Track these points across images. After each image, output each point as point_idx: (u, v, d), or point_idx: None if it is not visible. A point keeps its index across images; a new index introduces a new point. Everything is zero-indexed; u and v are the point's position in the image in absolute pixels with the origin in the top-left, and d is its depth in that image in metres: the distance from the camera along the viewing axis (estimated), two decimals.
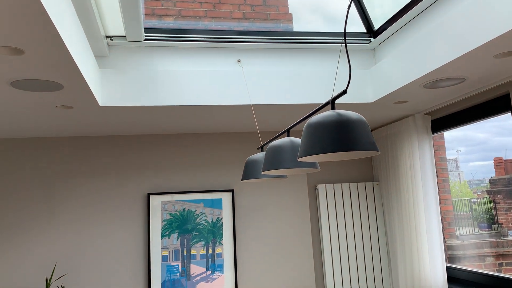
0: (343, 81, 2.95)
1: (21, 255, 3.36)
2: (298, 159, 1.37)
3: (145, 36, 2.90)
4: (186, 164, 3.70)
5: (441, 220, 3.47)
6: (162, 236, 3.52)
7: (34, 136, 3.48)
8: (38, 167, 3.49)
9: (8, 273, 3.32)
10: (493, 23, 1.88)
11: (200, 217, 3.60)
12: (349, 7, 1.20)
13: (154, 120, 3.12)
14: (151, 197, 3.55)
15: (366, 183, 3.89)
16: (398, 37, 2.96)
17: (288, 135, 1.90)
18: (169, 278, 3.48)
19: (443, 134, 4.74)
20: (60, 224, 3.44)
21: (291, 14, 3.99)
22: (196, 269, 3.54)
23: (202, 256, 3.56)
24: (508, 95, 2.65)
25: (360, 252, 3.78)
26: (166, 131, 3.62)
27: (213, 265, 3.56)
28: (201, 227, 3.59)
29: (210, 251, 3.58)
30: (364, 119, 1.29)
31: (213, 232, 3.60)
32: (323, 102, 2.88)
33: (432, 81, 2.49)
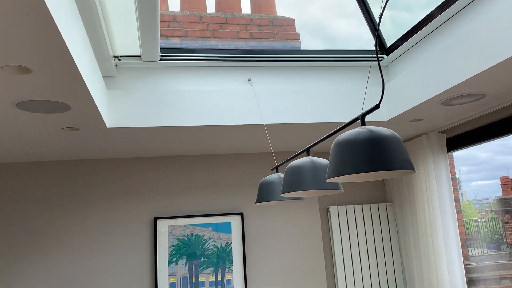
0: (358, 97, 2.88)
1: (25, 281, 3.21)
2: (327, 180, 1.27)
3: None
4: (194, 187, 3.59)
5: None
6: (170, 262, 3.38)
7: (38, 160, 3.38)
8: (40, 191, 3.38)
9: None
10: None
11: (208, 242, 3.47)
12: (380, 16, 1.13)
13: (162, 141, 3.03)
14: (158, 221, 3.43)
15: (379, 204, 3.77)
16: (412, 54, 2.90)
17: (308, 155, 1.80)
18: None
19: (451, 153, 4.64)
20: (64, 250, 3.31)
21: (298, 34, 3.96)
22: None
23: (211, 283, 3.41)
24: None
25: (374, 276, 3.63)
26: (174, 153, 3.52)
27: None
28: (209, 252, 3.45)
29: (219, 278, 3.43)
30: (398, 135, 1.20)
31: (222, 257, 3.46)
32: (337, 120, 2.80)
33: (450, 98, 2.41)
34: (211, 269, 3.43)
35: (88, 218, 3.39)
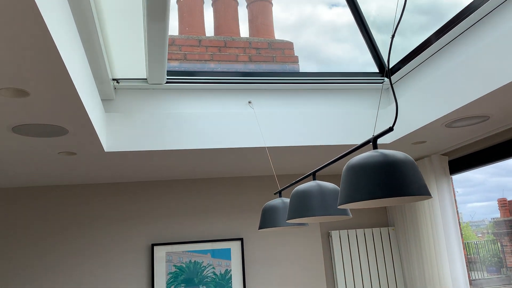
0: (359, 120, 2.84)
1: None
2: (339, 206, 1.21)
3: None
4: (192, 212, 3.50)
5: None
6: None
7: (31, 185, 3.29)
8: (35, 217, 3.28)
9: None
10: None
11: (207, 269, 3.36)
12: (393, 36, 1.09)
13: (160, 165, 2.96)
14: (155, 248, 3.32)
15: (381, 228, 3.69)
16: (413, 76, 2.88)
17: (314, 179, 1.74)
18: None
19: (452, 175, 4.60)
20: (59, 277, 3.18)
21: (297, 57, 3.96)
22: None
23: None
24: None
25: None
26: (172, 177, 3.45)
27: None
28: (208, 279, 3.34)
29: None
30: (412, 159, 1.15)
31: (222, 285, 3.35)
32: (340, 143, 2.75)
33: (454, 120, 2.38)
34: None
35: (84, 245, 3.27)
